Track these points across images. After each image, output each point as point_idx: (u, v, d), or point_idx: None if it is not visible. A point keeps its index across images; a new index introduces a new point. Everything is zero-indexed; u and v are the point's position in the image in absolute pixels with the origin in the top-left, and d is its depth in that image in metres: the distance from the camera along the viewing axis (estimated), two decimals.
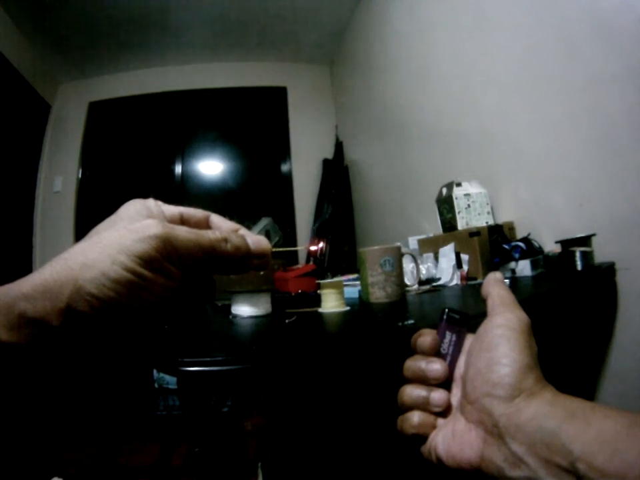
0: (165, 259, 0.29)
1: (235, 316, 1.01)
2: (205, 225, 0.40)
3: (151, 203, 0.37)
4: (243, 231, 0.38)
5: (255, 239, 0.36)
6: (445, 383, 0.40)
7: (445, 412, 0.39)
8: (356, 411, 1.26)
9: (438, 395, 0.39)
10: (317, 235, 3.79)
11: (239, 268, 0.35)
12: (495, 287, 0.41)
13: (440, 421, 0.39)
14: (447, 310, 0.42)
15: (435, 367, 0.39)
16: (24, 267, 3.49)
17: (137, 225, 0.30)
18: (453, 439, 0.36)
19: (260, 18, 3.48)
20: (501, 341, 0.35)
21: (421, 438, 0.39)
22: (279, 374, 0.66)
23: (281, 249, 0.39)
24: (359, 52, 3.44)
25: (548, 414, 0.31)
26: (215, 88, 4.11)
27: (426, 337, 0.41)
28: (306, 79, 4.27)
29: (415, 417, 0.39)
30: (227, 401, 1.62)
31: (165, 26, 3.49)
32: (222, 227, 0.38)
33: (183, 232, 0.30)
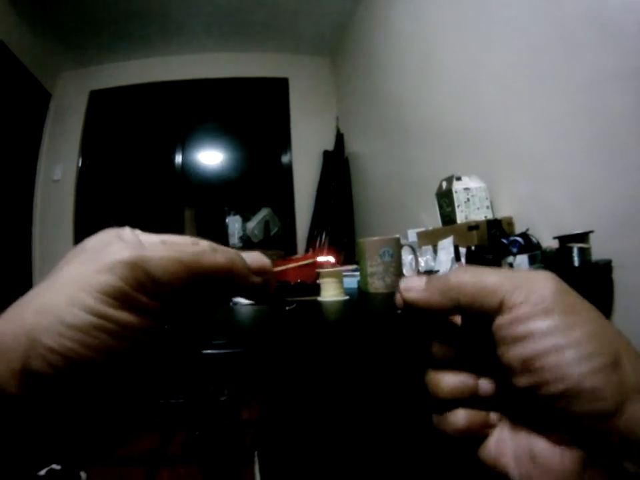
0: (135, 289, 0.23)
1: (236, 303, 1.02)
2: None
3: (127, 232, 0.27)
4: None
5: (251, 254, 0.28)
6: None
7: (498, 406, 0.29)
8: (354, 400, 1.27)
9: (488, 384, 0.29)
10: (315, 227, 3.80)
11: (236, 288, 0.27)
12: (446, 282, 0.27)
13: (493, 417, 0.29)
14: None
15: (487, 384, 0.29)
16: (22, 255, 3.50)
17: (101, 253, 0.23)
18: (530, 461, 0.26)
19: (262, 8, 3.47)
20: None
21: (475, 438, 0.29)
22: (278, 361, 0.67)
23: (288, 266, 0.29)
24: (361, 44, 3.43)
25: None
26: (216, 78, 4.10)
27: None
28: (308, 71, 4.26)
29: (461, 416, 0.29)
30: (224, 390, 1.64)
31: (167, 15, 3.48)
32: None
33: (157, 250, 0.24)
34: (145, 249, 0.24)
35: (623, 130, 1.22)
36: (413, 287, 0.29)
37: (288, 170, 4.13)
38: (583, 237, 1.28)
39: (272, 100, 4.22)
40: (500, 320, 0.24)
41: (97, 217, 3.72)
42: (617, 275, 1.26)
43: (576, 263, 1.25)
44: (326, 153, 4.03)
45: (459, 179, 1.69)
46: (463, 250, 1.44)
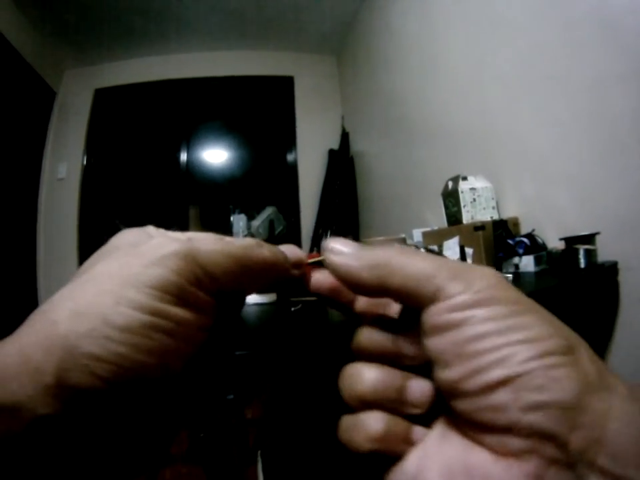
0: (192, 283, 0.20)
1: None
2: None
3: (152, 229, 0.25)
4: None
5: (288, 247, 0.27)
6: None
7: (425, 417, 0.23)
8: None
9: (420, 386, 0.23)
10: (320, 226, 3.80)
11: (281, 281, 0.26)
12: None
13: (417, 431, 0.23)
14: None
15: (409, 346, 0.24)
16: (27, 253, 3.51)
17: (142, 247, 0.21)
18: (465, 478, 0.20)
19: (267, 6, 3.46)
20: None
21: (385, 458, 0.22)
22: (283, 361, 0.67)
23: (316, 260, 0.27)
24: (367, 43, 3.42)
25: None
26: (221, 76, 4.09)
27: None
28: (313, 69, 4.24)
29: (377, 421, 0.22)
30: (230, 389, 1.64)
31: (172, 13, 3.47)
32: None
33: (205, 243, 0.22)
34: (193, 241, 0.22)
35: (627, 131, 1.22)
36: (342, 250, 0.24)
37: (293, 168, 4.12)
38: (589, 238, 1.27)
39: (277, 98, 4.21)
40: (433, 308, 0.21)
41: (102, 215, 3.73)
42: (622, 277, 1.26)
43: (582, 265, 1.25)
44: (331, 152, 4.02)
45: (465, 178, 1.69)
46: (469, 250, 1.44)
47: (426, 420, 0.23)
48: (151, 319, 0.19)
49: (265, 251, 0.24)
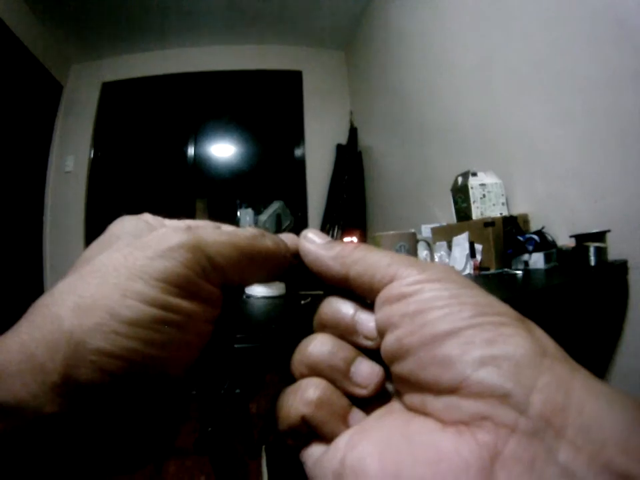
0: (199, 275, 0.20)
1: (249, 296, 1.03)
2: None
3: (149, 217, 0.26)
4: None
5: (288, 236, 0.27)
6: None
7: (366, 402, 0.22)
8: None
9: (371, 366, 0.22)
10: (328, 221, 3.80)
11: (282, 270, 0.25)
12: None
13: (355, 414, 0.22)
14: None
15: (367, 317, 0.23)
16: (34, 246, 3.53)
17: (146, 238, 0.21)
18: (404, 461, 0.17)
19: (276, 0, 3.45)
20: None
21: (307, 434, 0.22)
22: (290, 355, 0.66)
23: None
24: (376, 38, 3.40)
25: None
26: (229, 70, 4.09)
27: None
28: (322, 64, 4.23)
29: (319, 385, 0.22)
30: (238, 383, 1.64)
31: (180, 7, 3.47)
32: None
33: (210, 234, 0.21)
34: (199, 231, 0.21)
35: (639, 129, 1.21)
36: (314, 239, 0.25)
37: (301, 163, 4.12)
38: (599, 236, 1.26)
39: (285, 93, 4.20)
40: (388, 287, 0.21)
41: (109, 208, 3.74)
42: (632, 276, 1.25)
43: (592, 263, 1.24)
44: (339, 147, 4.02)
45: (474, 174, 1.68)
46: (478, 247, 1.43)
47: (366, 407, 0.22)
48: (160, 312, 0.18)
49: (268, 240, 0.24)
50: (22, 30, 3.11)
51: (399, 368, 0.20)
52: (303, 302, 0.89)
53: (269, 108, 4.20)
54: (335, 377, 0.22)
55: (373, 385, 0.22)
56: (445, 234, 1.65)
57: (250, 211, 3.90)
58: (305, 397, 0.21)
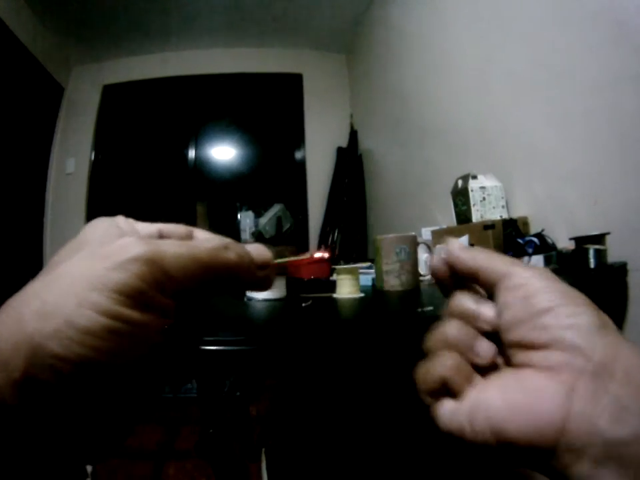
0: (152, 288, 0.21)
1: (250, 298, 1.03)
2: None
3: (121, 220, 0.28)
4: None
5: (254, 246, 0.28)
6: None
7: (483, 370, 0.29)
8: (365, 399, 1.27)
9: (488, 344, 0.29)
10: (328, 224, 3.80)
11: (244, 283, 0.27)
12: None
13: (476, 377, 0.28)
14: None
15: (487, 309, 0.29)
16: (34, 248, 3.53)
17: (108, 247, 0.22)
18: (517, 394, 0.25)
19: (277, 3, 3.46)
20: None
21: (440, 392, 0.29)
22: (292, 358, 0.67)
23: (283, 260, 0.30)
24: (376, 41, 3.41)
25: None
26: (230, 73, 4.10)
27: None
28: (322, 67, 4.25)
29: (453, 356, 0.28)
30: (239, 385, 1.64)
31: (181, 10, 3.48)
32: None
33: (170, 246, 0.23)
34: (159, 244, 0.22)
35: (638, 131, 1.21)
36: (458, 246, 0.32)
37: (301, 166, 4.13)
38: (599, 238, 1.26)
39: (286, 95, 4.21)
40: (508, 279, 0.28)
41: (109, 210, 3.72)
42: (631, 279, 1.25)
43: (592, 265, 1.24)
44: (339, 150, 4.02)
45: (474, 177, 1.68)
46: None
47: (483, 374, 0.29)
48: (111, 322, 0.20)
49: (231, 253, 0.25)
50: (24, 32, 3.12)
51: (514, 334, 0.27)
52: (303, 305, 0.89)
53: (269, 111, 4.21)
54: (463, 350, 0.29)
55: (490, 356, 0.29)
56: (445, 237, 1.65)
57: (250, 213, 3.91)
58: (445, 363, 0.28)
